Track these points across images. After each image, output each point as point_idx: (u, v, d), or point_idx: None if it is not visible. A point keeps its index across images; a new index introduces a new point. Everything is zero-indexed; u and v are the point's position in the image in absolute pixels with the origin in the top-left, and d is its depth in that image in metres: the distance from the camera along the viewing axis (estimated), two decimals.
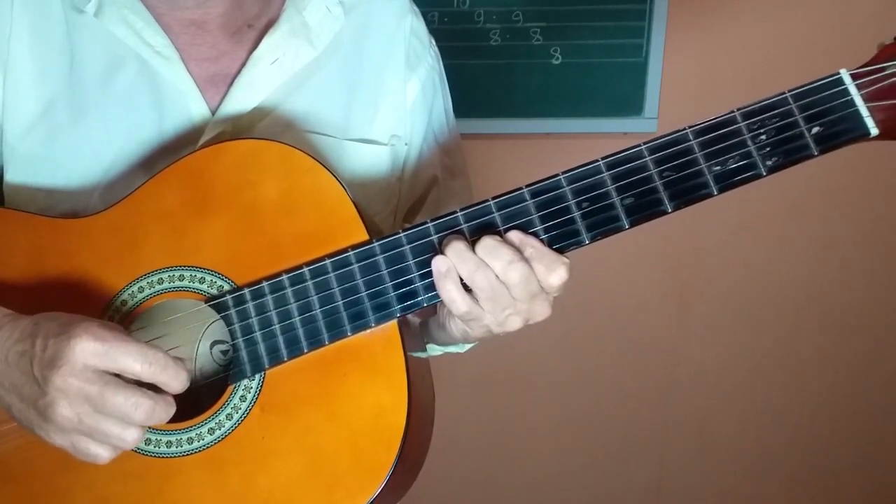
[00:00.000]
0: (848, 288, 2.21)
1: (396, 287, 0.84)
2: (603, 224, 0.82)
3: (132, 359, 0.76)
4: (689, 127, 0.81)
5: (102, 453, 0.78)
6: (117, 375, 0.77)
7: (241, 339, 0.86)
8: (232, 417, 0.85)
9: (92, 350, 0.75)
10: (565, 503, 2.40)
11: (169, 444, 0.85)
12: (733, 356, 2.27)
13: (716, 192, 0.80)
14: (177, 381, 0.78)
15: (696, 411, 2.31)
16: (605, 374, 2.28)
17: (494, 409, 2.30)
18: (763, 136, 0.80)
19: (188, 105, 0.96)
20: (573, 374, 2.28)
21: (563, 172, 0.82)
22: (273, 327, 0.85)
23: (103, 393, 0.75)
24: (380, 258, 0.84)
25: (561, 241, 0.82)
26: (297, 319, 0.85)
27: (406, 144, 1.06)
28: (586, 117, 2.06)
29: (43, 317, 0.80)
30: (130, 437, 0.77)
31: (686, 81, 2.03)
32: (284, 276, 0.85)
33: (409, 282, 0.84)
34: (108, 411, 0.75)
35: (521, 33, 2.01)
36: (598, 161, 0.82)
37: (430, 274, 0.82)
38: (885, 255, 2.18)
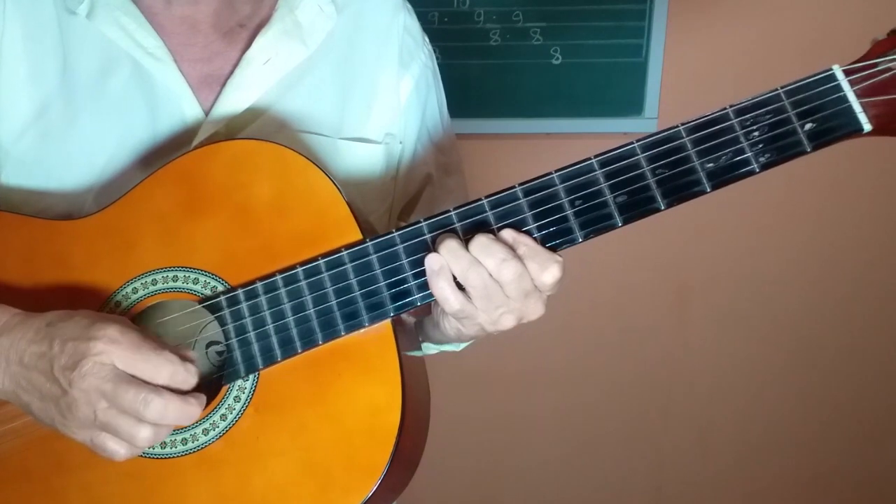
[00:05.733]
0: (848, 286, 2.20)
1: (390, 286, 0.84)
2: (596, 222, 0.82)
3: (142, 362, 0.78)
4: (682, 124, 0.81)
5: (119, 450, 0.79)
6: None
7: (234, 340, 0.86)
8: (226, 417, 0.85)
9: (109, 351, 0.77)
10: (564, 503, 2.40)
11: (164, 444, 0.85)
12: (734, 355, 2.26)
13: (709, 189, 0.80)
14: (185, 385, 0.80)
15: (697, 411, 2.31)
16: (604, 373, 2.28)
17: (492, 408, 2.30)
18: (756, 133, 0.79)
19: (181, 106, 0.95)
20: (572, 373, 2.28)
21: (556, 171, 0.82)
22: (267, 327, 0.85)
23: (116, 389, 0.76)
24: (373, 258, 0.84)
25: (554, 239, 0.82)
26: (290, 319, 0.85)
27: (400, 143, 1.06)
28: (586, 117, 2.06)
29: (56, 316, 0.81)
30: (142, 435, 0.78)
31: (686, 81, 2.03)
32: (278, 277, 0.85)
33: (403, 281, 0.84)
34: (122, 407, 0.77)
35: (521, 33, 2.01)
36: (590, 159, 0.82)
37: (423, 273, 0.82)
38: (885, 252, 2.17)
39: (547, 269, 0.80)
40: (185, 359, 0.80)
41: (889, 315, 2.22)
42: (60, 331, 0.79)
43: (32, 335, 0.80)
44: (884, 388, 2.28)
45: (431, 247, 0.83)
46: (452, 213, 0.83)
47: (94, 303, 0.88)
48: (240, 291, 0.86)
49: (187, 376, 0.79)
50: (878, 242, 2.17)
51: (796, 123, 0.79)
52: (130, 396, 0.76)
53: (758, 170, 0.79)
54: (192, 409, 0.79)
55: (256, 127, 0.97)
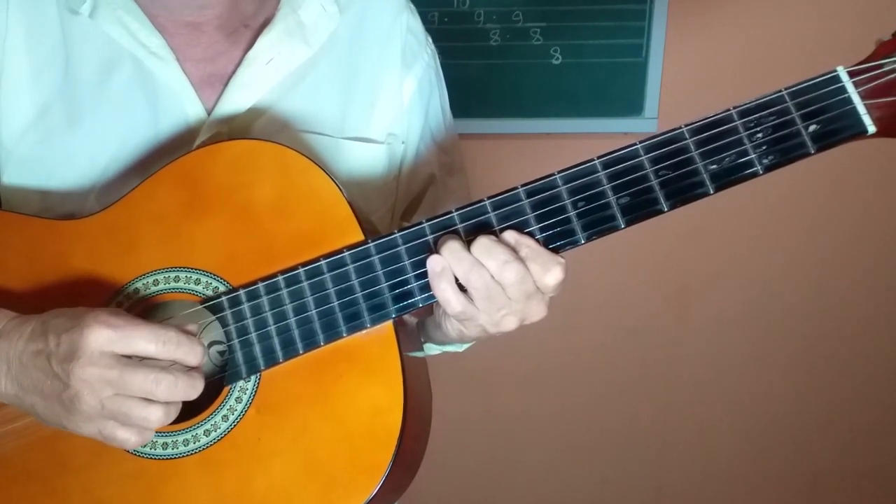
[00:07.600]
0: (848, 286, 2.20)
1: (392, 287, 0.84)
2: (599, 224, 0.81)
3: (145, 340, 0.77)
4: (686, 125, 0.80)
5: (130, 437, 0.79)
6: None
7: (236, 341, 0.86)
8: (228, 419, 0.85)
9: (106, 337, 0.76)
10: (564, 503, 2.40)
11: (165, 445, 0.85)
12: (734, 355, 2.26)
13: (712, 191, 0.80)
14: (192, 356, 0.79)
15: (696, 411, 2.31)
16: (604, 373, 2.28)
17: (493, 408, 2.30)
18: (759, 135, 0.79)
19: (184, 106, 0.95)
20: (572, 373, 2.27)
21: (559, 172, 0.82)
22: (268, 328, 0.85)
23: (123, 374, 0.76)
24: (375, 258, 0.84)
25: (556, 240, 0.82)
26: (292, 320, 0.85)
27: (403, 143, 1.06)
28: (586, 117, 2.06)
29: (49, 315, 0.81)
30: (154, 416, 0.78)
31: (686, 81, 2.03)
32: (280, 277, 0.85)
33: (405, 282, 0.84)
34: (131, 391, 0.77)
35: (521, 33, 2.01)
36: (593, 160, 0.81)
37: (425, 274, 0.82)
38: (885, 252, 2.17)
39: (549, 271, 0.80)
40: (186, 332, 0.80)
41: (889, 315, 2.22)
42: (53, 325, 0.79)
43: (29, 334, 0.80)
44: (883, 387, 2.28)
45: (433, 248, 0.82)
46: (454, 213, 0.83)
47: (96, 303, 0.87)
48: (241, 292, 0.86)
49: (192, 345, 0.79)
50: (878, 242, 2.17)
51: (800, 125, 0.78)
52: (140, 379, 0.76)
53: (761, 171, 0.79)
54: (197, 381, 0.79)
55: (259, 126, 0.97)
